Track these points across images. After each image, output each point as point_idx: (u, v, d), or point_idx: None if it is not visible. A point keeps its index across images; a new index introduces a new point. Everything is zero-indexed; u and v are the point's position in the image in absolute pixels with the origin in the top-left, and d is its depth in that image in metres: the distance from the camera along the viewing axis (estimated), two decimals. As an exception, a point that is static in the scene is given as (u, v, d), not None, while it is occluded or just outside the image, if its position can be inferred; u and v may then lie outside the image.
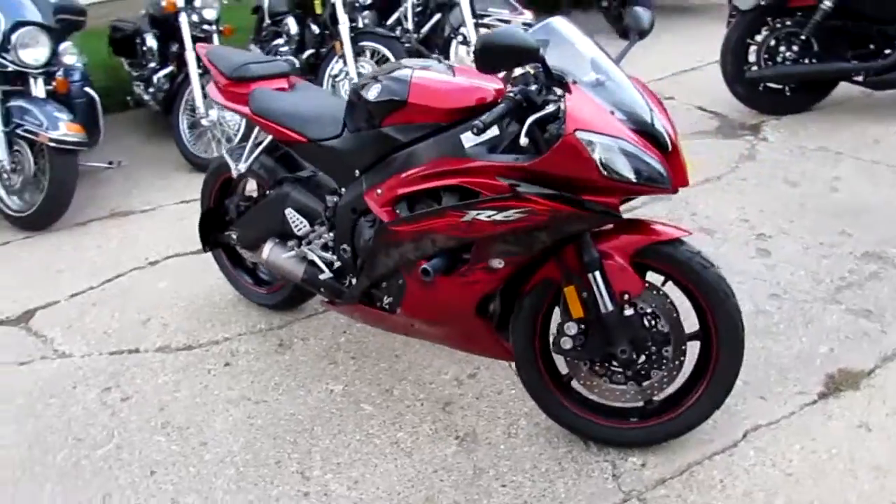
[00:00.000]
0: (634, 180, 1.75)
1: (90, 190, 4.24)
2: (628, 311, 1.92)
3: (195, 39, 4.45)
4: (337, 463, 2.16)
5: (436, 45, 5.10)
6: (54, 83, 3.95)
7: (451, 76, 2.09)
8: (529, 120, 1.74)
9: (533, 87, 1.83)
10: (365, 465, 2.14)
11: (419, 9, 5.25)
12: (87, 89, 4.20)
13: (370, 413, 2.35)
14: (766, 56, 4.25)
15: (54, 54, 3.91)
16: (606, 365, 2.01)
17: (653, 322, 1.97)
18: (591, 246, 1.89)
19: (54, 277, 3.38)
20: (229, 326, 2.86)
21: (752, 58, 4.30)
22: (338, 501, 2.03)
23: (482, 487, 2.03)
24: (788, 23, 4.17)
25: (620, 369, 2.00)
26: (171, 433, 2.34)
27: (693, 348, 2.03)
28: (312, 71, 4.84)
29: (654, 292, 1.97)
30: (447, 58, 5.03)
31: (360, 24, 4.76)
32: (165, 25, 4.57)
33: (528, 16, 4.85)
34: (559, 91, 1.78)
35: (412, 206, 2.05)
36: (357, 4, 4.71)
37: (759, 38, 4.27)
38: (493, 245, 1.91)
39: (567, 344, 1.97)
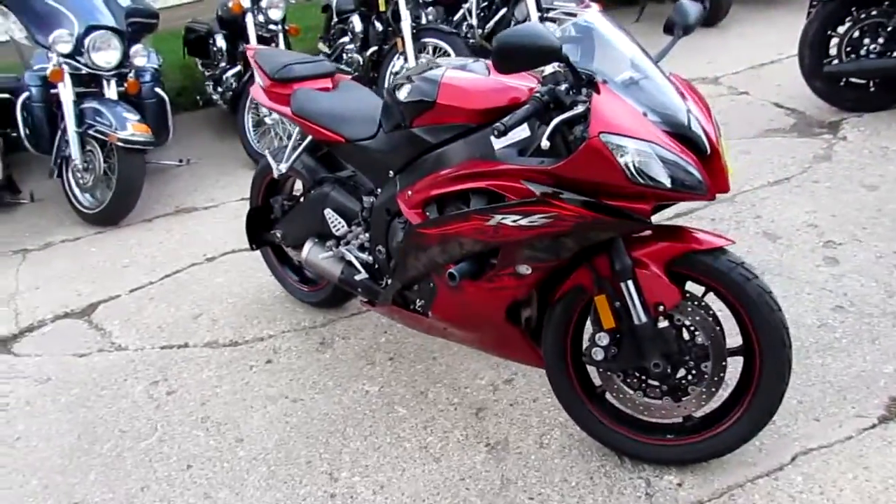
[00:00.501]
0: (669, 186, 1.65)
1: (160, 187, 4.40)
2: (662, 324, 1.83)
3: (262, 39, 4.56)
4: (365, 465, 2.15)
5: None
6: (126, 85, 4.13)
7: (485, 75, 2.03)
8: (554, 122, 1.66)
9: (563, 87, 1.75)
10: (393, 469, 2.12)
11: (485, 3, 5.20)
12: (158, 90, 4.38)
13: (402, 416, 2.32)
14: (848, 49, 3.96)
15: (126, 57, 4.07)
16: (641, 378, 1.91)
17: (691, 335, 1.86)
18: (623, 253, 1.80)
19: (119, 272, 3.52)
20: (274, 324, 2.90)
21: (832, 51, 4.02)
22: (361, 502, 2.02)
23: (509, 498, 1.98)
24: (874, 13, 3.86)
25: (656, 383, 1.90)
26: (209, 428, 2.39)
27: (737, 364, 1.91)
28: (376, 68, 4.87)
29: (694, 304, 1.86)
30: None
31: (424, 21, 4.75)
32: (234, 26, 4.68)
33: (595, 9, 4.69)
34: (588, 91, 1.70)
35: (442, 209, 2.01)
36: (421, 1, 4.70)
37: (841, 29, 3.99)
38: (520, 250, 1.84)
39: (598, 355, 1.89)
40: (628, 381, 1.93)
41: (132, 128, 3.81)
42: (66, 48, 3.86)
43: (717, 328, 1.86)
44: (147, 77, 4.31)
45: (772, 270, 2.71)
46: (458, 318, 2.12)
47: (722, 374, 1.87)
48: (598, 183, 1.67)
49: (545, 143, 1.65)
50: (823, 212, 3.12)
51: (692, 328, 1.85)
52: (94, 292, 3.33)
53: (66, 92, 3.91)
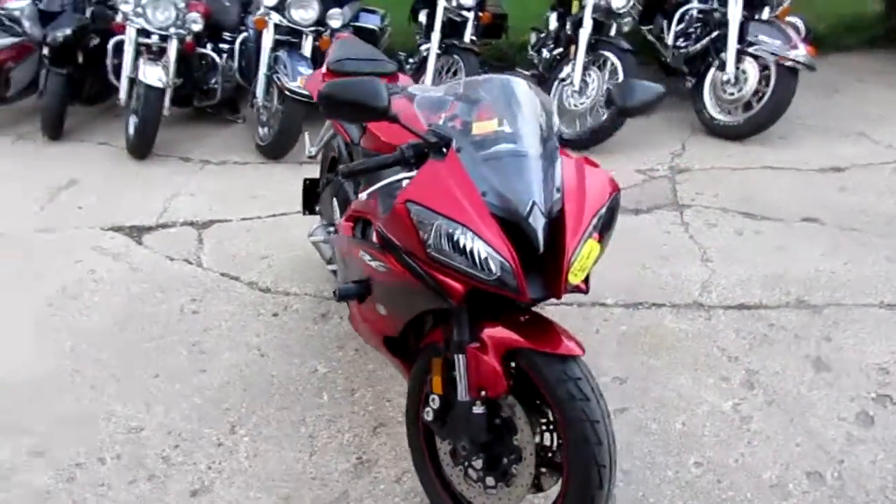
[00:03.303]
0: (467, 271, 1.57)
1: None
2: (478, 409, 1.75)
3: (452, 23, 4.78)
4: (260, 432, 2.38)
5: (698, 67, 4.65)
6: (320, 41, 4.66)
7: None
8: (391, 179, 1.67)
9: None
10: (275, 445, 2.33)
11: (697, 24, 4.80)
12: (348, 50, 4.84)
13: (321, 403, 2.50)
14: None
15: (323, 16, 4.58)
16: (463, 455, 1.86)
17: (509, 432, 1.76)
18: (464, 327, 1.75)
19: (248, 201, 4.10)
20: (305, 284, 3.21)
21: None
22: (234, 462, 2.26)
23: (335, 512, 2.08)
24: None
25: (476, 465, 1.84)
26: (192, 351, 2.80)
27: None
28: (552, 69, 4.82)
29: (526, 403, 1.74)
30: (701, 84, 4.57)
31: (612, 32, 4.56)
32: (432, 5, 4.95)
33: (802, 52, 4.12)
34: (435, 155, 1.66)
35: (364, 229, 2.10)
36: (613, 9, 4.51)
37: None
38: (378, 289, 1.89)
39: (428, 415, 1.87)
40: (454, 453, 1.89)
41: (300, 81, 4.32)
42: (272, 1, 4.47)
43: (542, 435, 1.73)
44: (341, 38, 4.79)
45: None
46: (360, 331, 2.22)
47: (537, 483, 1.75)
48: (406, 249, 1.65)
49: (363, 196, 1.67)
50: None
51: (511, 426, 1.75)
52: (220, 212, 3.95)
53: (266, 38, 4.56)
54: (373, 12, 5.75)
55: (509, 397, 1.75)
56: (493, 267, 1.57)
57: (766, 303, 2.88)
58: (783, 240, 3.34)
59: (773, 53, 4.18)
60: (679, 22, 4.83)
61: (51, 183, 4.46)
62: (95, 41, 5.13)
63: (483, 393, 1.73)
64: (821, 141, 4.54)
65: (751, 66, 4.30)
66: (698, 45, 4.62)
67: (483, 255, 1.57)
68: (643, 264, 3.21)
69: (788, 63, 4.11)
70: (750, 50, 4.27)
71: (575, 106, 4.55)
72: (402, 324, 1.92)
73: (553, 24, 5.03)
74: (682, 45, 4.77)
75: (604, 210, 1.70)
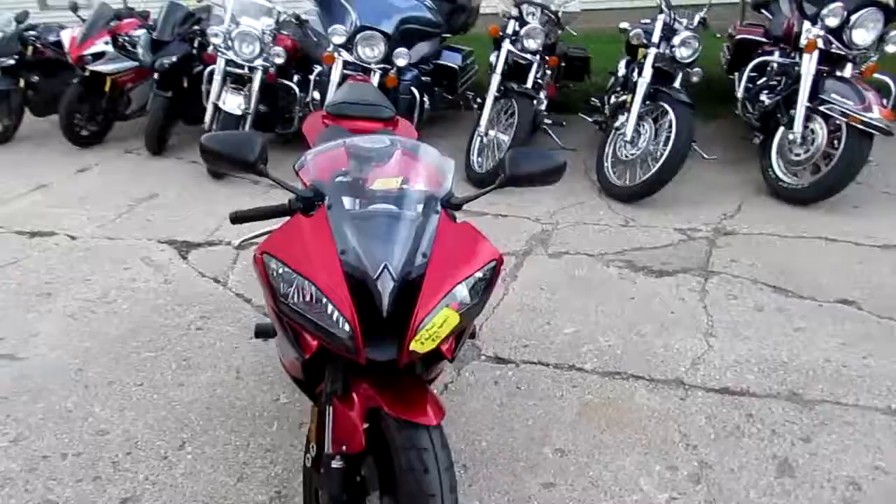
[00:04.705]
0: (309, 327, 1.59)
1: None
2: (336, 464, 1.75)
3: (517, 66, 4.80)
4: (203, 451, 2.50)
5: (768, 123, 4.35)
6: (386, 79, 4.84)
7: (382, 159, 2.04)
8: (265, 229, 1.73)
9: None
10: (212, 467, 2.43)
11: (777, 78, 4.49)
12: (413, 89, 4.99)
13: (268, 433, 2.58)
14: None
15: (389, 55, 4.76)
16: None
17: (364, 492, 1.75)
18: (336, 378, 1.77)
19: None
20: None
21: None
22: (169, 477, 2.39)
23: None
24: None
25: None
26: (181, 364, 2.99)
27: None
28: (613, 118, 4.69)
29: (383, 464, 1.73)
30: (769, 142, 4.27)
31: (677, 82, 4.38)
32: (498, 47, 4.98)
33: (876, 114, 3.74)
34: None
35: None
36: (677, 59, 4.33)
37: None
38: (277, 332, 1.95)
39: (308, 461, 1.90)
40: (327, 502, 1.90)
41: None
42: (340, 40, 4.71)
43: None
44: (407, 76, 4.95)
45: None
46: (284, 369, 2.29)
47: (387, 548, 1.72)
48: (268, 298, 1.70)
49: (234, 243, 1.74)
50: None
51: (363, 486, 1.74)
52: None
53: (335, 74, 4.81)
54: (457, 51, 5.89)
55: (369, 457, 1.75)
56: (333, 326, 1.58)
57: (753, 390, 2.63)
58: (805, 322, 3.04)
59: (843, 113, 3.82)
60: (756, 75, 4.54)
61: (136, 194, 4.94)
62: (199, 68, 5.63)
63: (344, 448, 1.74)
64: (898, 215, 4.08)
65: (820, 126, 3.95)
66: (769, 100, 4.31)
67: (327, 313, 1.59)
68: (639, 331, 3.04)
69: (859, 125, 3.74)
70: (821, 108, 3.93)
71: (625, 157, 4.40)
72: (300, 367, 1.97)
73: (622, 70, 4.90)
74: (755, 98, 4.48)
75: (470, 280, 1.67)
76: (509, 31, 4.75)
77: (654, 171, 4.14)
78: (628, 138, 4.33)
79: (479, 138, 4.71)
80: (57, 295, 3.60)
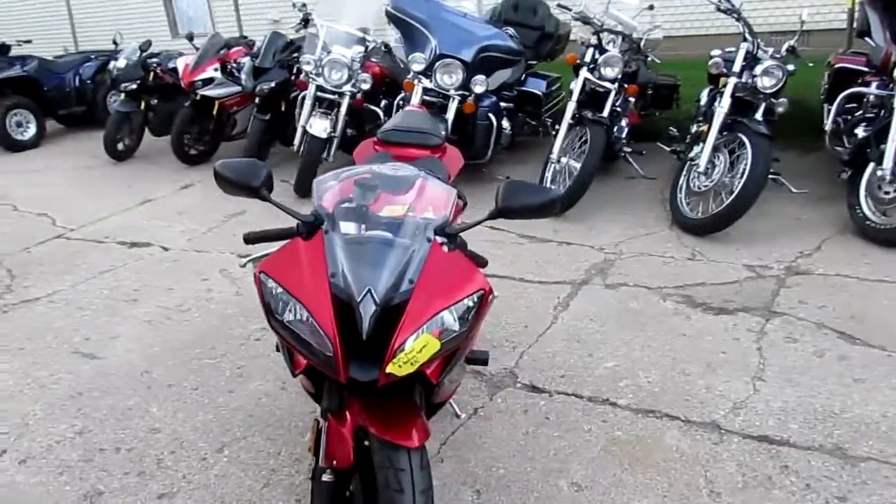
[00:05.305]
0: (297, 345, 1.68)
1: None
2: (326, 478, 1.83)
3: (595, 94, 4.78)
4: (239, 456, 2.65)
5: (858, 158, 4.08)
6: (464, 105, 4.94)
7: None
8: (262, 253, 1.85)
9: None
10: (244, 471, 2.58)
11: (873, 111, 4.21)
12: (490, 115, 5.06)
13: (300, 442, 2.70)
14: None
15: (467, 82, 4.86)
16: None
17: (348, 505, 1.81)
18: (333, 394, 1.85)
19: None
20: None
21: None
22: (204, 478, 2.56)
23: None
24: None
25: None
26: (234, 372, 3.18)
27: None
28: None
29: (368, 482, 1.79)
30: (857, 178, 4.01)
31: (759, 113, 4.19)
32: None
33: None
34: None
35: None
36: (759, 89, 4.15)
37: None
38: (285, 348, 2.06)
39: (310, 472, 1.99)
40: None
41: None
42: (419, 67, 4.87)
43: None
44: (485, 102, 5.03)
45: None
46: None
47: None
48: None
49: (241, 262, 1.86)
50: None
51: (355, 502, 1.80)
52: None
53: (414, 100, 4.95)
54: (542, 77, 5.92)
55: (357, 474, 1.81)
56: (317, 345, 1.67)
57: (795, 441, 2.47)
58: (867, 372, 2.82)
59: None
60: (855, 106, 4.26)
61: (228, 210, 5.29)
62: (296, 93, 5.96)
63: (334, 462, 1.82)
64: None
65: (911, 164, 3.67)
66: (863, 133, 4.04)
67: (313, 332, 1.68)
68: (683, 370, 2.93)
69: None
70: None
71: (699, 188, 4.25)
72: (308, 381, 2.06)
73: (703, 99, 4.75)
74: (849, 131, 4.21)
75: (456, 308, 1.70)
76: (587, 59, 4.73)
77: (726, 204, 3.98)
78: (702, 169, 4.19)
79: (552, 165, 4.70)
80: (141, 301, 3.92)
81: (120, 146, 6.93)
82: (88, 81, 8.28)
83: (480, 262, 2.03)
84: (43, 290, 4.16)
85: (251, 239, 1.97)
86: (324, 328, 1.67)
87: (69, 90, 8.25)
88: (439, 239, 1.82)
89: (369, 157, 2.89)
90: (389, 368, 1.64)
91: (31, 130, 7.87)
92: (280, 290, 1.74)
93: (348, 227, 1.83)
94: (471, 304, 1.74)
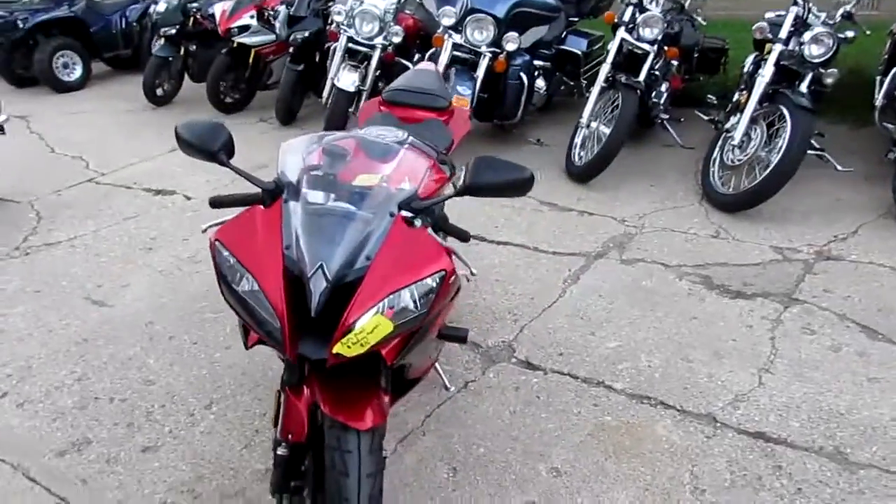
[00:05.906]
0: (246, 317, 1.63)
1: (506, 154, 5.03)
2: (281, 451, 1.80)
3: (633, 56, 4.53)
4: (225, 415, 2.66)
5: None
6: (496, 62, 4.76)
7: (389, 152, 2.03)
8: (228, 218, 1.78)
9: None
10: (227, 430, 2.58)
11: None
12: (522, 74, 4.87)
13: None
14: None
15: (499, 39, 4.67)
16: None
17: (301, 481, 1.78)
18: (293, 367, 1.80)
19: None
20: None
21: None
22: (189, 434, 2.58)
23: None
24: None
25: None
26: (234, 329, 3.18)
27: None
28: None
29: (318, 457, 1.75)
30: None
31: (804, 84, 3.91)
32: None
33: None
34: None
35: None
36: (805, 58, 3.86)
37: None
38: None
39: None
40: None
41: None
42: (449, 22, 4.69)
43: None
44: (517, 61, 4.83)
45: None
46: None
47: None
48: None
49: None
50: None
51: (303, 474, 1.77)
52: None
53: (443, 56, 4.79)
54: (584, 35, 5.66)
55: (310, 452, 1.77)
56: (265, 319, 1.61)
57: (793, 440, 2.34)
58: (885, 372, 2.63)
59: None
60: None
61: (256, 161, 5.26)
62: (330, 44, 5.86)
63: (290, 437, 1.78)
64: None
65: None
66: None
67: (262, 306, 1.62)
68: (688, 356, 2.80)
69: None
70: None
71: (732, 162, 4.01)
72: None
73: (748, 66, 4.45)
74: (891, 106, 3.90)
75: (413, 288, 1.62)
76: (626, 18, 4.48)
77: (758, 180, 3.75)
78: (736, 142, 3.95)
79: (581, 130, 4.51)
80: (156, 251, 3.96)
81: (159, 91, 6.96)
82: (134, 24, 8.31)
83: (463, 236, 1.93)
84: (66, 233, 4.24)
85: (216, 203, 1.92)
86: (272, 302, 1.60)
87: (115, 32, 8.29)
88: (405, 213, 1.73)
89: (372, 118, 2.80)
90: (337, 349, 1.58)
91: (77, 72, 7.96)
92: (233, 259, 1.68)
93: (316, 196, 1.74)
94: (433, 284, 1.65)
